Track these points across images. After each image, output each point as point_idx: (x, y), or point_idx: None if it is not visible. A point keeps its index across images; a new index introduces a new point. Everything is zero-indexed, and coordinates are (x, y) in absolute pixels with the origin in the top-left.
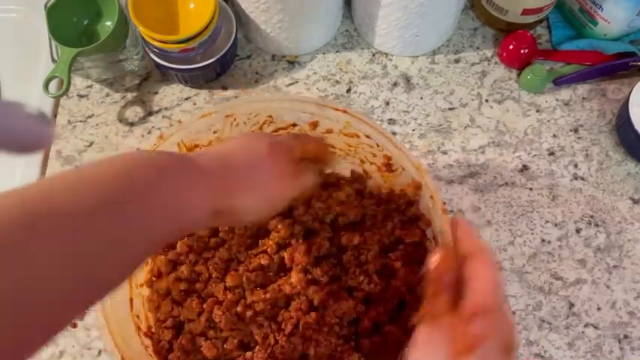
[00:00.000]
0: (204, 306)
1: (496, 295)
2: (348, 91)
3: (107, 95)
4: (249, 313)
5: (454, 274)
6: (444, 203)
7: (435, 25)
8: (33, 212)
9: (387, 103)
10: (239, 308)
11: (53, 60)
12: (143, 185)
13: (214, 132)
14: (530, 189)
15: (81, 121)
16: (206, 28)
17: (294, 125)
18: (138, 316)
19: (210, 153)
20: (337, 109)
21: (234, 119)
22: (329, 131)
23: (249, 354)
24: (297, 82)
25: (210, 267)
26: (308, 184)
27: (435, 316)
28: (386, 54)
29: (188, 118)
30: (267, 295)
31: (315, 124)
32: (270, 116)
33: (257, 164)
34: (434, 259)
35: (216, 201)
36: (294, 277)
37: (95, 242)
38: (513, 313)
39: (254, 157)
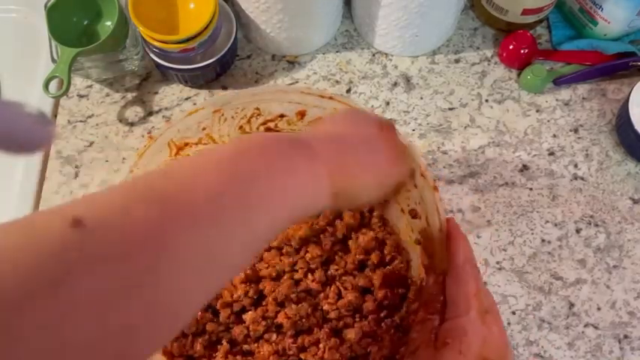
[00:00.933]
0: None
1: (470, 313)
2: (348, 91)
3: (107, 95)
4: None
5: (442, 299)
6: (435, 181)
7: (435, 25)
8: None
9: (387, 103)
10: None
11: (53, 60)
12: (264, 170)
13: (203, 128)
14: (530, 189)
15: (81, 121)
16: (206, 28)
17: (282, 116)
18: None
19: (319, 133)
20: (323, 96)
21: (222, 114)
22: (318, 119)
23: None
24: (297, 82)
25: None
26: (408, 169)
27: (416, 350)
28: (386, 54)
29: (175, 117)
30: None
31: (302, 114)
32: (258, 109)
33: (372, 142)
34: (430, 281)
35: (335, 182)
36: None
37: (223, 225)
38: (513, 313)
39: (368, 135)
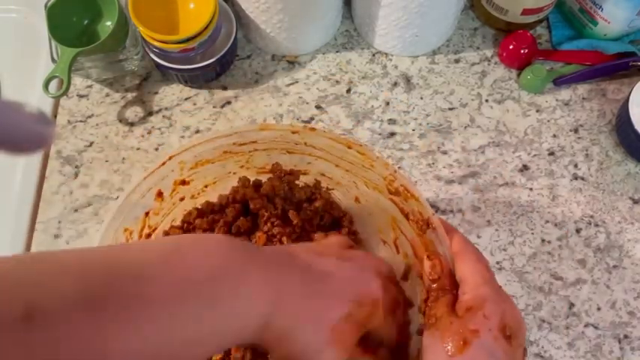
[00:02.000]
0: None
1: (487, 286)
2: (348, 91)
3: (107, 95)
4: None
5: (449, 278)
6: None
7: (435, 25)
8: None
9: (387, 103)
10: None
11: (53, 60)
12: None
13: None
14: (530, 189)
15: (81, 121)
16: (206, 28)
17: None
18: None
19: (300, 257)
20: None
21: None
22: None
23: None
24: (297, 82)
25: None
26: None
27: (436, 321)
28: (386, 54)
29: (197, 139)
30: None
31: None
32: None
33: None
34: (426, 267)
35: (270, 312)
36: None
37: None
38: None
39: (360, 287)
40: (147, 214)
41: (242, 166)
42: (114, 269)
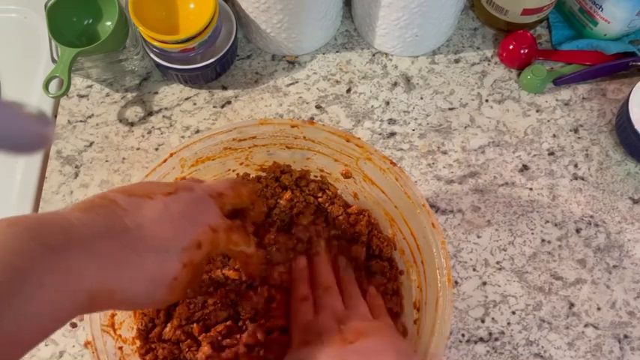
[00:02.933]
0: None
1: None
2: (348, 91)
3: (107, 95)
4: None
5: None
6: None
7: (435, 25)
8: None
9: (387, 103)
10: None
11: (53, 60)
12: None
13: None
14: (530, 189)
15: (81, 121)
16: (206, 28)
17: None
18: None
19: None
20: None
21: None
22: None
23: None
24: (297, 82)
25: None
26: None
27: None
28: (386, 54)
29: (199, 136)
30: None
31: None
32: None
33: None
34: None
35: (88, 283)
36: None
37: None
38: (513, 313)
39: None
40: None
41: (242, 163)
42: None
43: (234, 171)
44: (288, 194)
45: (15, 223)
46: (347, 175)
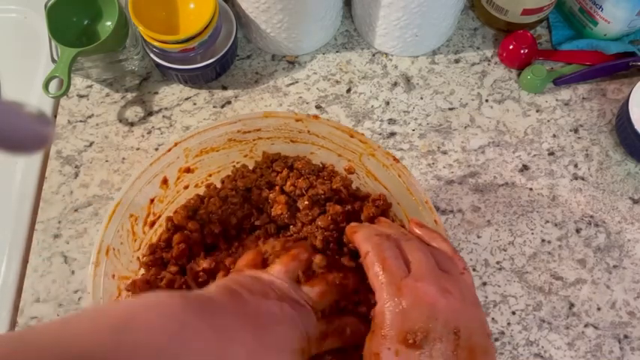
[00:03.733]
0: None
1: (384, 291)
2: (348, 91)
3: (107, 95)
4: None
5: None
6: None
7: (435, 25)
8: None
9: (387, 103)
10: None
11: (53, 60)
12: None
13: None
14: (530, 189)
15: (81, 121)
16: (206, 28)
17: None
18: None
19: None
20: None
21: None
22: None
23: None
24: (297, 82)
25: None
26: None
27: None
28: (386, 54)
29: (204, 125)
30: None
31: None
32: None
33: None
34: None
35: None
36: None
37: None
38: (513, 313)
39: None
40: (152, 201)
41: (246, 155)
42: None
43: (238, 163)
44: (285, 173)
45: (180, 299)
46: (350, 171)
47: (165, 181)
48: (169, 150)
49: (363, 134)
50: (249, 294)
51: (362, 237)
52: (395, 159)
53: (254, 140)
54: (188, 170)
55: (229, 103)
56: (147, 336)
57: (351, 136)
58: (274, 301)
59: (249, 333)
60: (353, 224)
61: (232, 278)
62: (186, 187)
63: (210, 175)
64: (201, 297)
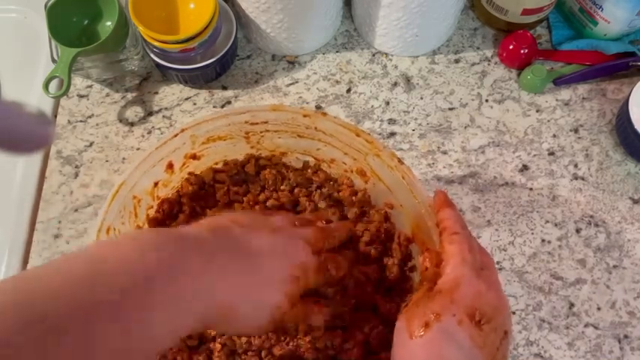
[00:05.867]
0: None
1: (465, 268)
2: (348, 91)
3: (107, 95)
4: None
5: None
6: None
7: (435, 25)
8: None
9: (387, 103)
10: None
11: (53, 60)
12: (165, 273)
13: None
14: (530, 189)
15: (81, 121)
16: (206, 28)
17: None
18: None
19: (217, 229)
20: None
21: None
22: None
23: None
24: (297, 82)
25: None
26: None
27: (411, 304)
28: (386, 54)
29: (210, 115)
30: None
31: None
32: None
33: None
34: (420, 260)
35: (219, 297)
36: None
37: (123, 322)
38: (513, 313)
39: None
40: (156, 184)
41: (252, 147)
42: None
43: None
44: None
45: (156, 232)
46: (362, 173)
47: (170, 166)
48: (176, 135)
49: (369, 134)
50: (239, 228)
51: (452, 216)
52: (399, 160)
53: (261, 132)
54: (194, 157)
55: (229, 103)
56: (124, 265)
57: (357, 135)
58: (266, 232)
59: (236, 264)
60: (444, 195)
61: (226, 214)
62: (190, 174)
63: (216, 164)
64: (185, 233)
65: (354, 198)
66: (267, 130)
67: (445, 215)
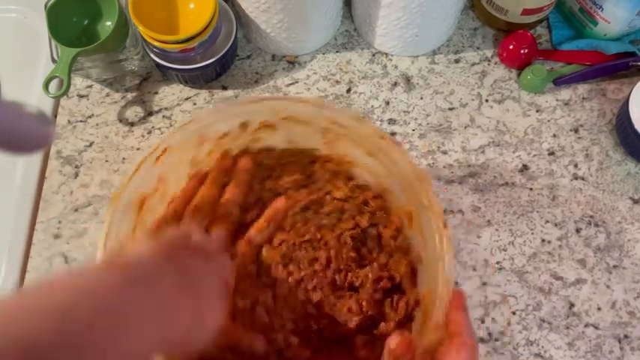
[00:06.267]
0: None
1: None
2: (348, 91)
3: (107, 95)
4: None
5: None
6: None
7: (435, 25)
8: None
9: (387, 103)
10: None
11: (53, 60)
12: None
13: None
14: (530, 189)
15: (81, 121)
16: (206, 28)
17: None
18: None
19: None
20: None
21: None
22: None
23: None
24: (297, 82)
25: None
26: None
27: None
28: (386, 54)
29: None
30: None
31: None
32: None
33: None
34: (392, 342)
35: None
36: None
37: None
38: (513, 313)
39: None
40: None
41: (326, 143)
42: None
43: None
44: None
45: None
46: (409, 217)
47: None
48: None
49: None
50: (182, 254)
51: (465, 323)
52: (444, 224)
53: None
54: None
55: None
56: (93, 316)
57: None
58: (198, 257)
59: (189, 296)
60: (462, 298)
61: (165, 241)
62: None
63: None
64: (140, 268)
65: (392, 242)
66: (345, 135)
67: (458, 319)
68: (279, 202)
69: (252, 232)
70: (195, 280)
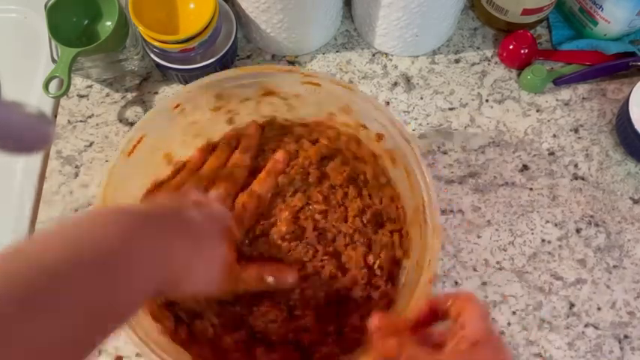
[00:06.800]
0: None
1: (488, 328)
2: None
3: (107, 95)
4: None
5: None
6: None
7: (435, 25)
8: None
9: (387, 103)
10: None
11: (53, 60)
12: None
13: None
14: (530, 189)
15: (81, 121)
16: (206, 28)
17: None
18: None
19: (168, 210)
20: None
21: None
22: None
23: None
24: None
25: None
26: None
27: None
28: (386, 54)
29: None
30: None
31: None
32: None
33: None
34: (374, 322)
35: (177, 263)
36: None
37: (82, 308)
38: (513, 313)
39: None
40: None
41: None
42: (33, 271)
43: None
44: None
45: (115, 208)
46: (380, 139)
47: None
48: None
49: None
50: (182, 204)
51: (480, 315)
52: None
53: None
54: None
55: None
56: (101, 241)
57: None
58: (196, 207)
59: (188, 241)
60: (474, 298)
61: (173, 198)
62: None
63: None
64: (148, 211)
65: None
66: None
67: (471, 306)
68: (279, 155)
69: (254, 185)
70: (192, 223)
